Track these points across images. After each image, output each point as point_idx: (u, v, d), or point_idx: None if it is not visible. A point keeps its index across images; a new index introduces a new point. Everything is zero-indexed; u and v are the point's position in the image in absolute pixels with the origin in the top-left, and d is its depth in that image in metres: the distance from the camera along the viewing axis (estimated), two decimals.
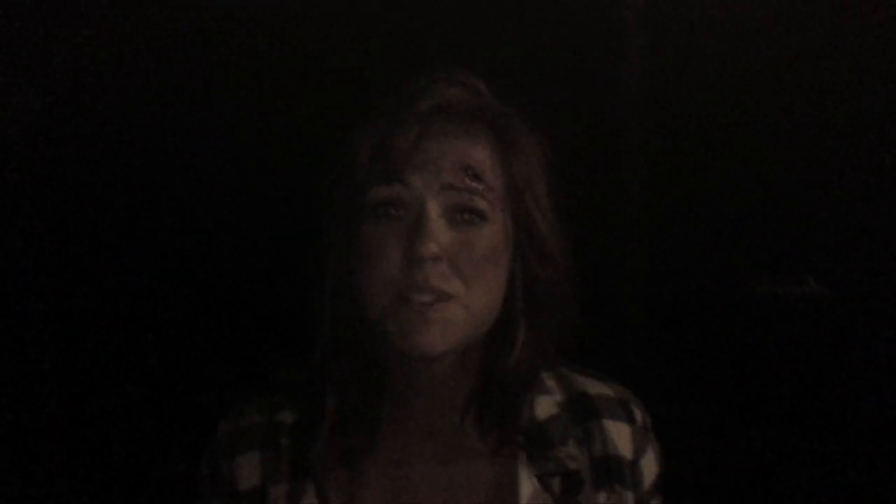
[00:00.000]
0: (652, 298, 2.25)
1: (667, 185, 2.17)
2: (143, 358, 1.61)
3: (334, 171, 0.87)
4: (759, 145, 1.99)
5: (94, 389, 1.58)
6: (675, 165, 2.14)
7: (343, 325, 0.87)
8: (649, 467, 0.93)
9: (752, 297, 2.08)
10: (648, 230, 2.24)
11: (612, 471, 0.90)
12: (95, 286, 1.63)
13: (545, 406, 0.92)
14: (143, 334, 1.63)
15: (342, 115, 0.87)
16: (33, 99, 1.64)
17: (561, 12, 1.97)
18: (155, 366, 1.61)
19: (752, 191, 2.02)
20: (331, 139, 0.87)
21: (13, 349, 1.56)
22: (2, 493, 1.45)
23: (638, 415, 0.94)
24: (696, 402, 2.19)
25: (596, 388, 0.95)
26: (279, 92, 1.68)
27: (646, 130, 2.18)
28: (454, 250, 0.82)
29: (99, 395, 1.57)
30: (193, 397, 1.50)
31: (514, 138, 0.87)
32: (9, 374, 1.53)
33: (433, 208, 0.82)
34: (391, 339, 0.82)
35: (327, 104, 1.49)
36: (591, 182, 2.09)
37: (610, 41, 2.08)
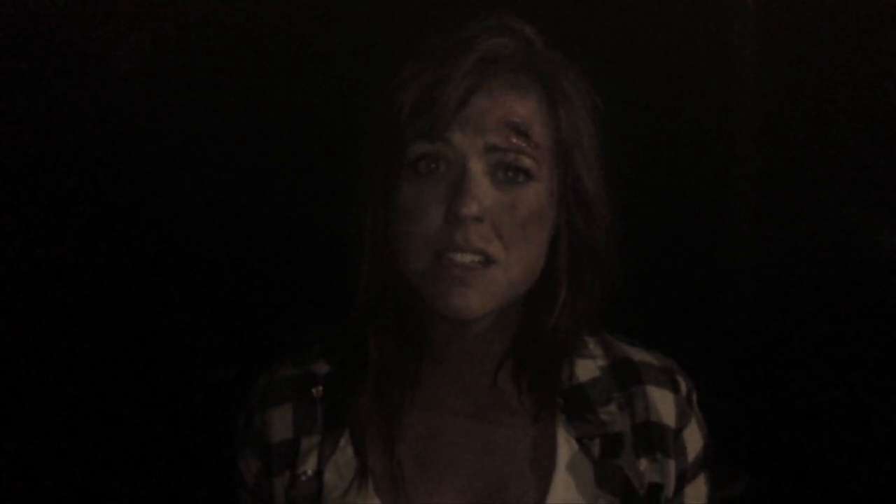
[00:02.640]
0: (767, 250, 2.15)
1: (783, 134, 2.06)
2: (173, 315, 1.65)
3: (373, 124, 0.85)
4: (882, 89, 1.85)
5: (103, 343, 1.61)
6: (791, 111, 2.02)
7: (380, 283, 0.86)
8: (693, 439, 0.91)
9: (872, 249, 1.95)
10: (764, 180, 2.13)
11: (654, 438, 0.88)
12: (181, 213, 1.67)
13: (586, 369, 0.90)
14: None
15: (383, 65, 0.84)
16: (144, 37, 1.70)
17: None
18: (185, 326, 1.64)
19: (871, 139, 1.89)
20: (369, 93, 0.85)
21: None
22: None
23: (682, 384, 0.92)
24: (815, 358, 2.10)
25: (639, 355, 0.93)
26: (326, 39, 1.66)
27: (762, 74, 2.06)
28: (497, 211, 0.80)
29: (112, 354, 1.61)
30: (227, 361, 1.53)
31: (563, 91, 0.84)
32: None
33: (476, 167, 0.80)
34: (429, 300, 0.81)
35: (368, 53, 1.47)
36: (704, 131, 2.03)
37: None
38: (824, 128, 1.94)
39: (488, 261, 0.79)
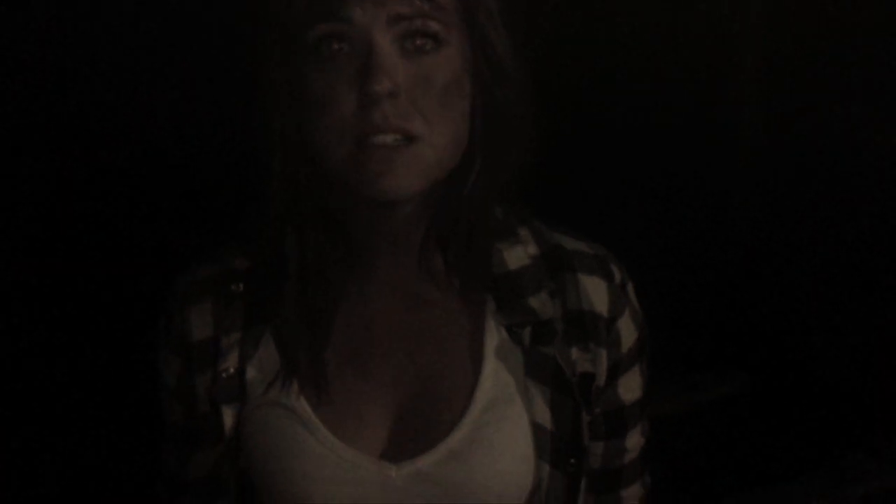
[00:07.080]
0: (770, 150, 2.12)
1: (787, 30, 2.00)
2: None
3: (265, 11, 0.79)
4: None
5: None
6: (797, 11, 1.96)
7: (296, 178, 0.81)
8: (627, 329, 0.87)
9: (876, 150, 1.90)
10: (765, 75, 2.08)
11: (586, 326, 0.85)
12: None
13: (517, 256, 0.87)
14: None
15: None
16: None
17: None
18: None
19: (878, 39, 1.81)
20: None
21: None
22: None
23: (616, 273, 0.88)
24: (816, 259, 2.07)
25: (573, 244, 0.89)
26: None
27: None
28: (412, 84, 0.75)
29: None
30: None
31: None
32: None
33: (383, 41, 0.74)
34: (355, 187, 0.76)
35: None
36: (708, 33, 1.96)
37: None
38: (830, 28, 1.87)
39: (411, 138, 0.75)
